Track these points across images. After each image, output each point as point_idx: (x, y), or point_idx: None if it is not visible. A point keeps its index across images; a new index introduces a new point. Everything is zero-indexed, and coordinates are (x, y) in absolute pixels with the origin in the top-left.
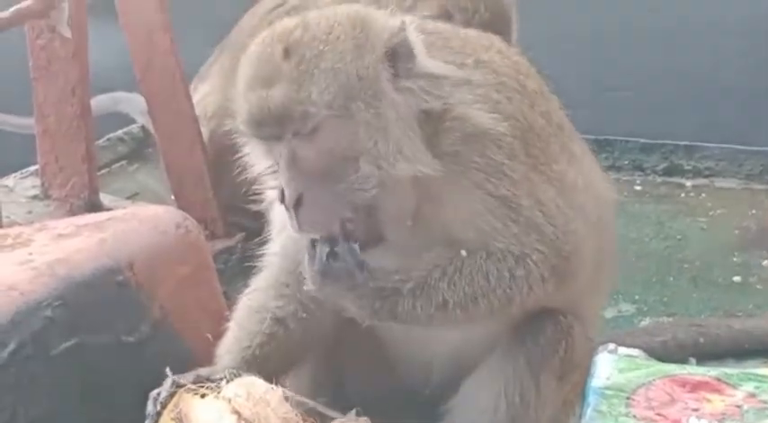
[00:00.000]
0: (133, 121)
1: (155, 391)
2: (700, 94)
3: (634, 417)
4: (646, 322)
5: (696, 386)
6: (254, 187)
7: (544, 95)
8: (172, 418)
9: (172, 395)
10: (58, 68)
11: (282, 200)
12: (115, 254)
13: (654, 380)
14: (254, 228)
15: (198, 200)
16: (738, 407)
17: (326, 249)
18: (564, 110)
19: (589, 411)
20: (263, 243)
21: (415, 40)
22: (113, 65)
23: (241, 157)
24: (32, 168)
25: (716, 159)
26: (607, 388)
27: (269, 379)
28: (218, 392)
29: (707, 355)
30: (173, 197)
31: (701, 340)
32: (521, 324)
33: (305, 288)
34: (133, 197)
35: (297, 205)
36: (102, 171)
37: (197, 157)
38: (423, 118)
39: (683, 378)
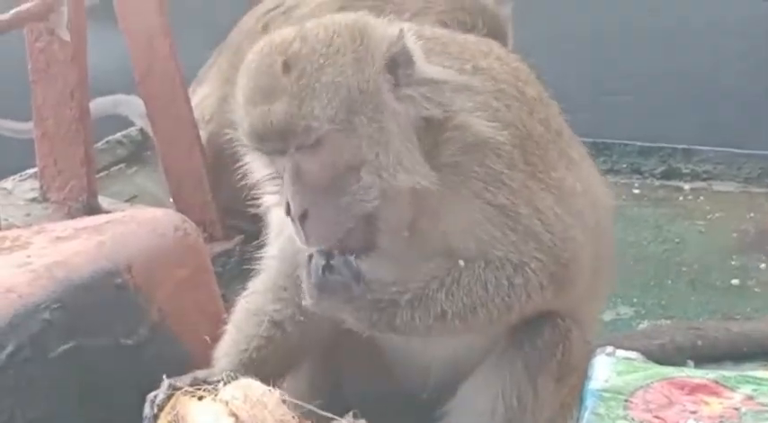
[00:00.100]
0: (132, 124)
1: (152, 394)
2: (698, 97)
3: (632, 419)
4: (644, 325)
5: (694, 389)
6: (252, 190)
7: (543, 102)
8: (169, 421)
9: (169, 398)
10: (57, 71)
11: (288, 212)
12: (114, 257)
13: (652, 383)
14: (253, 231)
15: (196, 203)
16: (736, 409)
17: (322, 263)
18: (563, 114)
19: (587, 414)
20: (262, 246)
21: (414, 46)
22: (112, 68)
23: (240, 160)
24: (31, 171)
25: (714, 163)
26: (605, 391)
27: (266, 382)
28: (216, 395)
29: (705, 358)
30: (171, 200)
31: (699, 343)
32: (518, 327)
33: (303, 303)
34: (132, 200)
35: (303, 218)
36: (101, 174)
37: (196, 160)
38: (423, 126)
39: (681, 381)
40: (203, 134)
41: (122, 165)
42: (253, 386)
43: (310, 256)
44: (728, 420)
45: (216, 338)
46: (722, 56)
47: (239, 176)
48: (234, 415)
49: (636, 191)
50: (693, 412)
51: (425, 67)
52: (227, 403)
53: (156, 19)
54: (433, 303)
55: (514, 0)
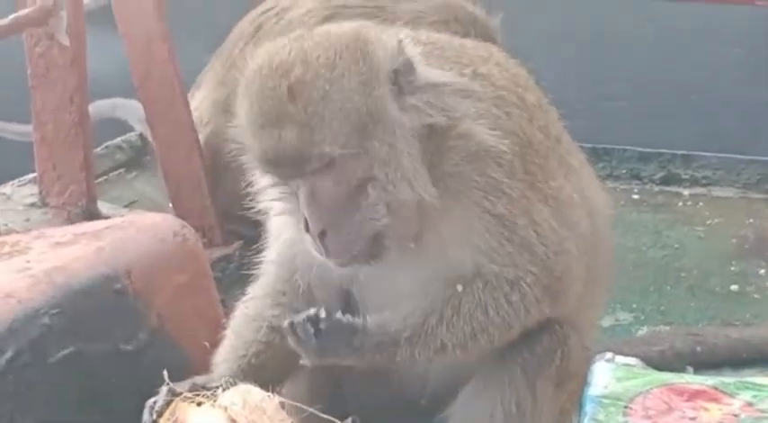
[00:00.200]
0: (131, 129)
1: (151, 400)
2: (697, 103)
3: None
4: (643, 331)
5: (693, 395)
6: (251, 195)
7: (542, 108)
8: None
9: (168, 404)
10: (57, 76)
11: (307, 230)
12: (113, 262)
13: (651, 389)
14: (252, 236)
15: (196, 208)
16: (736, 416)
17: (311, 330)
18: (562, 120)
19: (586, 420)
20: (261, 251)
21: (414, 53)
22: (111, 73)
23: (237, 163)
24: (30, 176)
25: (713, 168)
26: (604, 397)
27: (265, 387)
28: (215, 401)
29: (704, 364)
30: (170, 205)
31: (699, 349)
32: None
33: (302, 363)
34: (131, 205)
35: (322, 235)
36: (100, 179)
37: (195, 164)
38: (425, 134)
39: (680, 387)
40: (201, 137)
41: (122, 170)
42: (252, 392)
43: (291, 324)
44: None
45: (215, 344)
46: (721, 62)
47: (238, 181)
48: (233, 421)
49: (635, 196)
50: (693, 419)
51: (427, 72)
52: (225, 409)
53: (154, 23)
54: (433, 338)
55: (509, 9)
